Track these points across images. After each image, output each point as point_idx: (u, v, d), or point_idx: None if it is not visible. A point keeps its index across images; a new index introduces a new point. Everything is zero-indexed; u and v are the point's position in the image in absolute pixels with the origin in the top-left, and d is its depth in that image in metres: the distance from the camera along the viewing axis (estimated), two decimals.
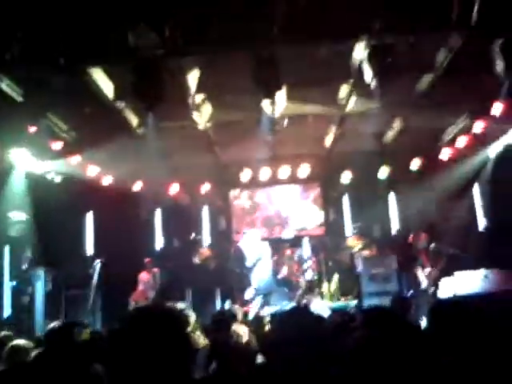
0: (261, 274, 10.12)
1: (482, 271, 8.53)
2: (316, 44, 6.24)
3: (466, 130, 9.45)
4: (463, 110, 9.04)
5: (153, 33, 5.65)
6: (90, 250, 11.67)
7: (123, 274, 9.98)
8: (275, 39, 5.86)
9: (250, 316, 8.60)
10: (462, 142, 9.81)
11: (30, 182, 9.28)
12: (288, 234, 12.58)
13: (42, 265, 9.08)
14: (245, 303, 9.78)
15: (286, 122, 9.21)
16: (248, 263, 10.23)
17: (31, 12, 5.38)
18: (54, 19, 5.49)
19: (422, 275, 9.47)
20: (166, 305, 3.45)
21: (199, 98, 7.85)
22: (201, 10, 5.63)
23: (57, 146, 8.55)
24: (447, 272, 8.96)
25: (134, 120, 8.39)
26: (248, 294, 9.97)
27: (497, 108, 8.07)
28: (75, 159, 9.44)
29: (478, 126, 9.00)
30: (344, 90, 7.99)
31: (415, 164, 11.53)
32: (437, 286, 9.22)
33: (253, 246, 10.47)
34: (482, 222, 11.15)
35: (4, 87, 6.42)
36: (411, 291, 9.57)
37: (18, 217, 8.92)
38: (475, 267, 8.93)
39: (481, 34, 5.77)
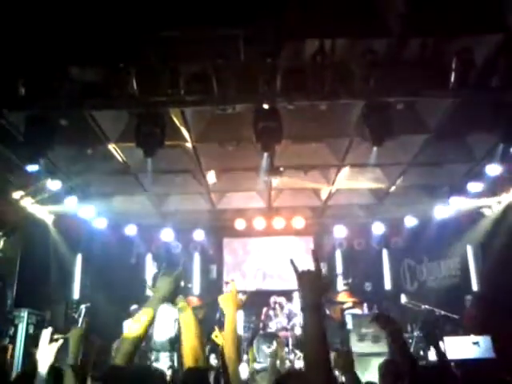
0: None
1: (473, 338, 8.38)
2: (315, 101, 6.34)
3: (461, 191, 9.52)
4: (458, 170, 9.16)
5: (155, 80, 5.74)
6: (76, 293, 11.41)
7: (108, 321, 9.69)
8: (277, 94, 5.95)
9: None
10: (455, 202, 9.87)
11: (22, 221, 9.20)
12: (279, 287, 12.36)
13: (26, 306, 8.82)
14: None
15: (283, 173, 9.27)
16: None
17: (37, 53, 5.48)
18: (57, 60, 5.59)
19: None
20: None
21: (199, 145, 7.92)
22: (204, 62, 5.72)
23: (54, 185, 8.48)
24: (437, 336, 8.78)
25: (131, 163, 8.41)
26: None
27: (491, 170, 8.17)
28: (71, 200, 9.34)
29: (472, 188, 9.08)
30: (342, 144, 8.11)
31: (409, 221, 11.59)
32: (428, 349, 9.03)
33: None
34: (474, 284, 11.04)
35: (6, 125, 6.46)
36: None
37: None
38: (466, 332, 8.81)
39: (479, 96, 5.89)
